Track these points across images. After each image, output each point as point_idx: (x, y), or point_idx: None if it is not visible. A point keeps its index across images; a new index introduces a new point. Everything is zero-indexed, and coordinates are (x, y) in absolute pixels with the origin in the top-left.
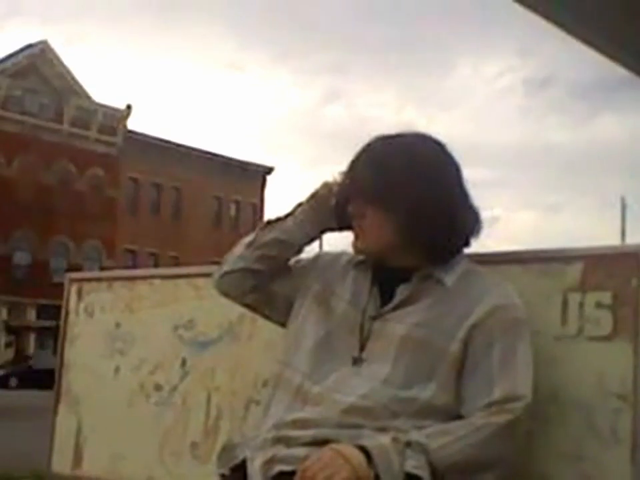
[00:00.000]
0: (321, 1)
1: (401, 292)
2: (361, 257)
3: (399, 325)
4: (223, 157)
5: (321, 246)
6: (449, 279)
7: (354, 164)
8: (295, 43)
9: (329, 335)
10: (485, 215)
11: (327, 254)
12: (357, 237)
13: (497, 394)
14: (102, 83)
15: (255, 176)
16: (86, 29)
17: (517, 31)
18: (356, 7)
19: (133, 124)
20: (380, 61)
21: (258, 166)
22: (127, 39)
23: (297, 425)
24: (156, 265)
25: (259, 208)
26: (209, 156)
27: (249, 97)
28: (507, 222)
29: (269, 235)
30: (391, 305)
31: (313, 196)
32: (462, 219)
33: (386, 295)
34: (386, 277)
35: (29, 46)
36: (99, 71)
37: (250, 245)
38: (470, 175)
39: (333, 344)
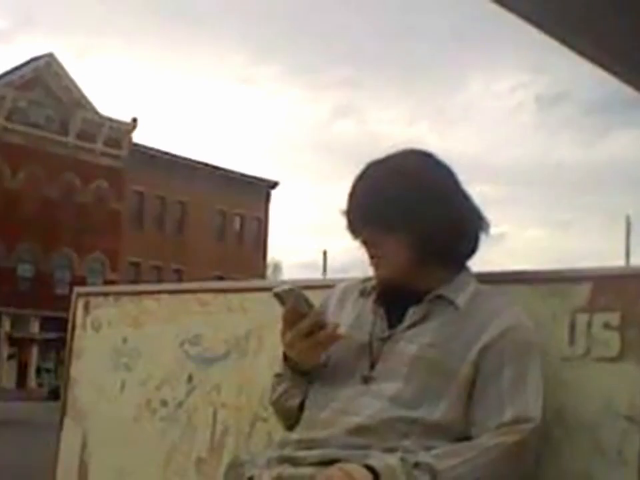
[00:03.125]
0: (333, 16)
1: (413, 313)
2: (365, 285)
3: (410, 344)
4: (227, 170)
5: (325, 268)
6: (460, 300)
7: (353, 195)
8: (307, 58)
9: (333, 359)
10: (493, 231)
11: (324, 299)
12: (376, 267)
13: (508, 415)
14: (109, 96)
15: (260, 190)
16: (97, 42)
17: (529, 48)
18: (368, 22)
19: (138, 137)
20: (391, 76)
21: (262, 180)
22: (137, 53)
23: (302, 445)
24: (160, 278)
25: (264, 222)
26: (213, 170)
27: (259, 112)
28: (514, 239)
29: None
30: (402, 326)
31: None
32: (468, 221)
33: (394, 317)
34: (394, 299)
35: (35, 58)
36: (108, 83)
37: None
38: (479, 190)
39: (338, 367)
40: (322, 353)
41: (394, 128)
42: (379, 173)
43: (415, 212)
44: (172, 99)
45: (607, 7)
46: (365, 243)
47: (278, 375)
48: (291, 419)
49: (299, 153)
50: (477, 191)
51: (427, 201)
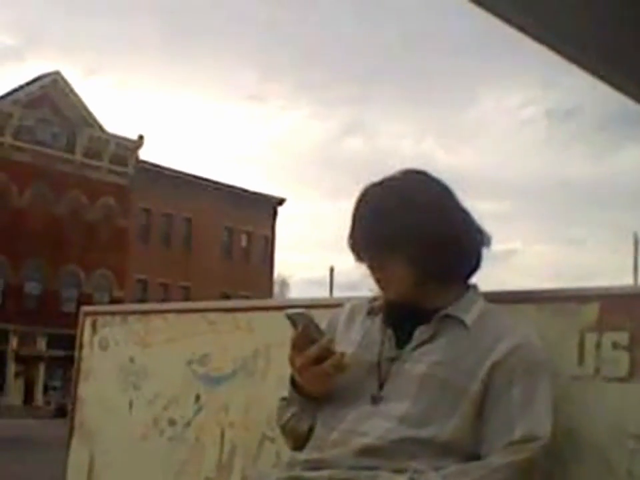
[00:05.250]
0: (342, 33)
1: (421, 333)
2: (373, 305)
3: (419, 363)
4: (234, 187)
5: (332, 285)
6: (469, 318)
7: (353, 220)
8: (316, 75)
9: (342, 380)
10: (502, 247)
11: (331, 318)
12: (383, 290)
13: (517, 434)
14: (116, 113)
15: (266, 207)
16: (105, 59)
17: (540, 62)
18: (377, 39)
19: (145, 154)
20: (400, 92)
21: (269, 197)
22: (144, 69)
23: (310, 465)
24: (166, 295)
25: (270, 239)
26: (220, 187)
27: (268, 128)
28: (524, 255)
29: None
30: (410, 346)
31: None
32: (467, 237)
33: (402, 337)
34: (402, 319)
35: (42, 76)
36: (115, 101)
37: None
38: (490, 207)
39: (346, 388)
40: (329, 382)
41: (403, 144)
42: (376, 196)
43: (414, 231)
44: (179, 115)
45: (615, 24)
46: (370, 267)
47: (284, 399)
48: (299, 442)
49: (307, 170)
50: (487, 207)
51: (425, 219)
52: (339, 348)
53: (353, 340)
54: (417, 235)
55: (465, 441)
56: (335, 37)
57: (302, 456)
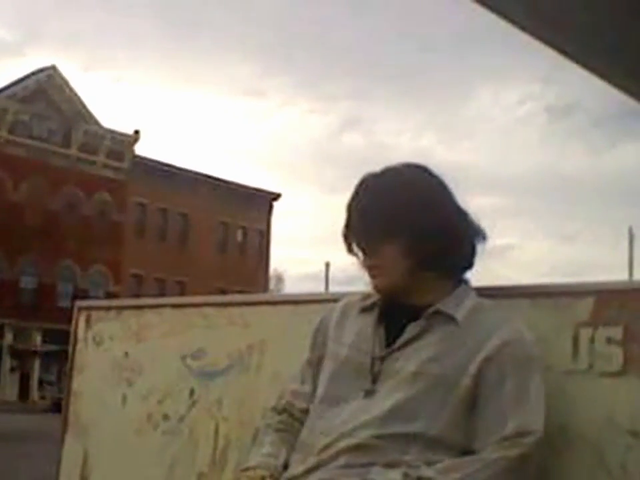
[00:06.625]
0: (341, 28)
1: (410, 330)
2: (365, 303)
3: (410, 360)
4: (229, 182)
5: (327, 280)
6: (459, 314)
7: (351, 206)
8: (316, 70)
9: (334, 381)
10: (499, 242)
11: (324, 316)
12: (375, 277)
13: (510, 429)
14: (113, 108)
15: (262, 202)
16: (103, 54)
17: (539, 59)
18: (376, 34)
19: (140, 149)
20: (399, 88)
21: (265, 192)
22: (143, 65)
23: (306, 467)
24: (162, 290)
25: (266, 234)
26: (215, 182)
27: (267, 124)
28: (520, 250)
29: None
30: (398, 343)
31: None
32: (462, 231)
33: (394, 334)
34: (395, 316)
35: (38, 71)
36: (113, 96)
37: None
38: (488, 202)
39: (339, 389)
40: None
41: (402, 139)
42: (378, 184)
43: (411, 221)
44: (175, 110)
45: (614, 21)
46: (364, 252)
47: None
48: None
49: (304, 165)
50: (484, 202)
51: (425, 210)
52: (330, 347)
53: (344, 341)
54: (416, 224)
55: (455, 435)
56: (333, 32)
57: (297, 456)
